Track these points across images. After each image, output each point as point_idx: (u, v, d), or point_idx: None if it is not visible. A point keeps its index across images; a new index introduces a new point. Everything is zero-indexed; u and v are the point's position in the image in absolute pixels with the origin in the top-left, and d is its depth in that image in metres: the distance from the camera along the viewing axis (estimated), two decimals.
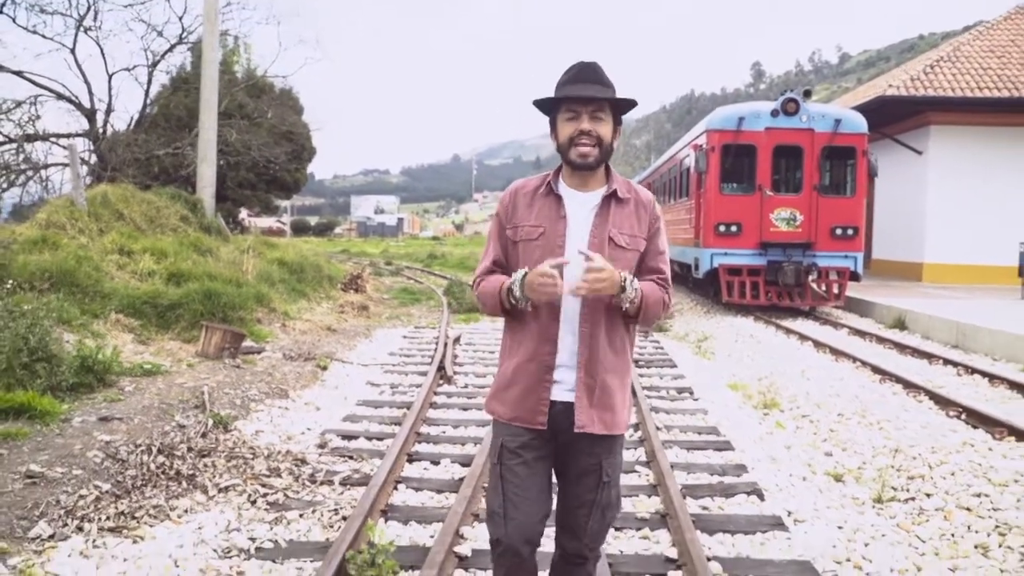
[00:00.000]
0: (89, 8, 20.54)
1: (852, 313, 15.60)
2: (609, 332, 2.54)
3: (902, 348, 11.20)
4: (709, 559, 3.87)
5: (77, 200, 13.14)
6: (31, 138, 19.99)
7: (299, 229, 79.94)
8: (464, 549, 3.99)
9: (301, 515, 4.48)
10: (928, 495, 5.16)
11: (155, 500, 4.48)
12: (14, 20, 20.11)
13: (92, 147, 20.94)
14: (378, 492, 4.55)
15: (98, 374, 6.83)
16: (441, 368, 8.69)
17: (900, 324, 13.49)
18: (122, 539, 4.01)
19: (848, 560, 4.09)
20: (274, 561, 3.88)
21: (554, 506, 2.67)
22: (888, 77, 24.53)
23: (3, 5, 19.70)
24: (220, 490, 4.75)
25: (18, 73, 19.92)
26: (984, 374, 9.12)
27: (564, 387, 2.52)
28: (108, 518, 4.21)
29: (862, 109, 19.22)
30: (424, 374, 8.67)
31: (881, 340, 12.01)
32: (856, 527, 4.61)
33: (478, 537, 4.17)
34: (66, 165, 20.73)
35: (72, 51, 20.47)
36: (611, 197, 2.56)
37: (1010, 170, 19.74)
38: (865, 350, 11.12)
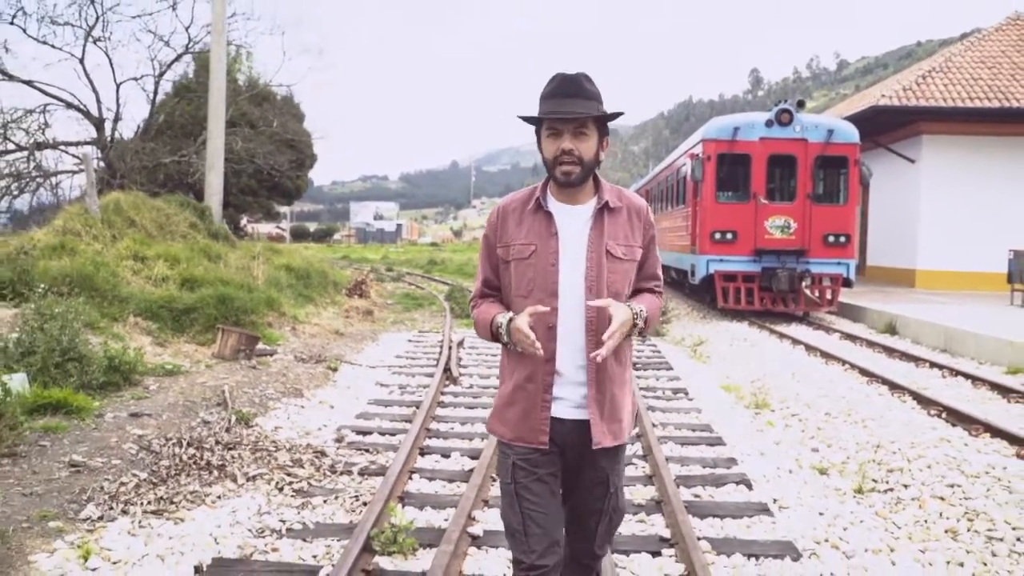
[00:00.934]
0: (98, 19, 20.96)
1: (845, 318, 16.00)
2: (616, 347, 2.50)
3: (891, 352, 11.59)
4: (699, 539, 4.26)
5: (91, 207, 13.52)
6: (41, 146, 20.39)
7: (298, 235, 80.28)
8: (476, 530, 4.37)
9: (325, 501, 4.87)
10: (905, 486, 5.54)
11: (190, 487, 4.87)
12: (24, 31, 20.54)
13: (100, 155, 21.31)
14: (395, 480, 4.94)
15: (124, 373, 7.23)
16: (447, 370, 9.07)
17: (891, 329, 13.87)
18: (164, 520, 4.39)
19: (827, 541, 4.48)
20: (304, 540, 4.27)
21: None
22: (881, 87, 24.97)
23: (14, 16, 20.13)
24: (249, 479, 5.13)
25: (29, 83, 20.33)
26: (968, 376, 9.51)
27: (568, 404, 2.51)
28: (149, 502, 4.59)
29: (856, 118, 19.67)
30: (431, 375, 9.05)
31: (871, 344, 12.40)
32: (837, 514, 5.00)
33: (488, 520, 4.55)
34: (75, 172, 21.21)
35: (81, 61, 20.88)
36: (603, 209, 2.53)
37: (1000, 179, 20.16)
38: (855, 353, 11.51)
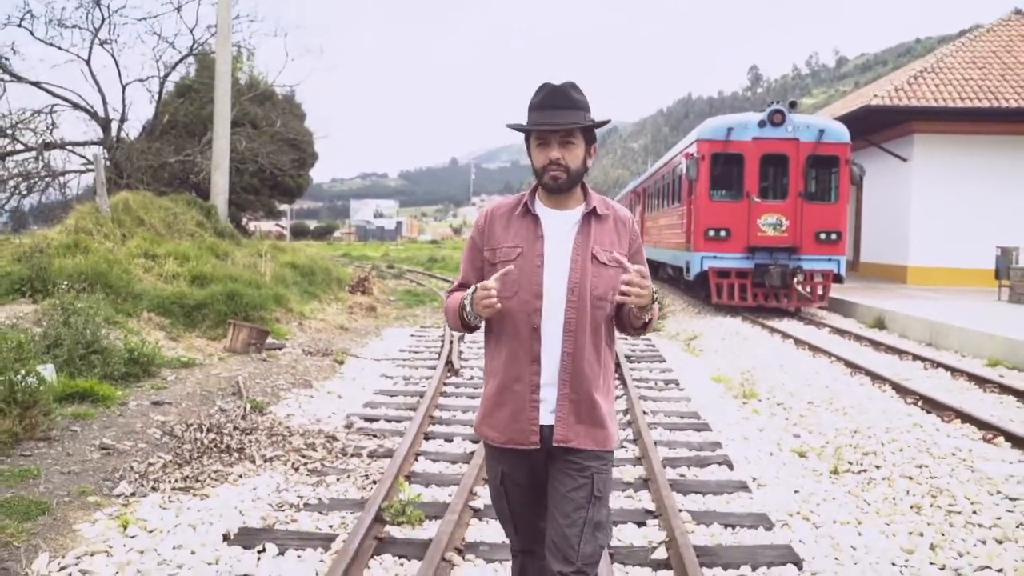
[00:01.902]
0: (103, 21, 21.34)
1: (836, 313, 16.41)
2: (595, 347, 2.56)
3: (877, 345, 12.00)
4: (680, 511, 4.66)
5: (101, 207, 13.91)
6: (50, 146, 20.78)
7: (298, 233, 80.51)
8: (477, 504, 4.78)
9: (338, 479, 5.28)
10: (877, 467, 5.95)
11: (213, 467, 5.27)
12: (32, 33, 20.90)
13: (107, 155, 21.70)
14: (402, 461, 5.35)
15: (143, 365, 7.64)
16: (448, 362, 9.46)
17: (880, 324, 14.28)
18: (191, 496, 4.79)
19: (799, 513, 4.88)
20: (320, 512, 4.67)
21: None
22: (874, 87, 25.37)
23: (22, 19, 20.50)
24: (266, 460, 5.54)
25: (36, 84, 20.70)
26: (948, 368, 9.91)
27: (549, 407, 2.54)
28: (176, 481, 4.99)
29: (849, 118, 20.10)
30: (433, 368, 9.45)
31: (859, 338, 12.81)
32: (811, 491, 5.40)
33: (489, 496, 4.95)
34: (82, 172, 21.59)
35: (88, 62, 21.25)
36: (591, 215, 2.60)
37: (990, 177, 20.55)
38: (842, 347, 11.92)
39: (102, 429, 5.85)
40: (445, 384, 8.56)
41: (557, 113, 2.50)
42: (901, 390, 8.44)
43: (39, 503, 4.35)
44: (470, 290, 2.53)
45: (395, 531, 4.39)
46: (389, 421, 6.96)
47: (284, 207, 55.45)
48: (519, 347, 2.52)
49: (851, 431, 6.84)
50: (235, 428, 6.09)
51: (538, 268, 2.52)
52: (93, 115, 21.74)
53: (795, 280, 15.28)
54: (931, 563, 4.28)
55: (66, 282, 8.50)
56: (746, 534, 4.50)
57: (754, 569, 4.02)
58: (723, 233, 15.59)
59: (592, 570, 2.53)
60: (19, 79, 20.56)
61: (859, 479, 5.76)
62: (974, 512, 4.93)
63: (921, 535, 4.66)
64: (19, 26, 20.41)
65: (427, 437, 6.42)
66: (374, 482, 5.20)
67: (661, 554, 4.16)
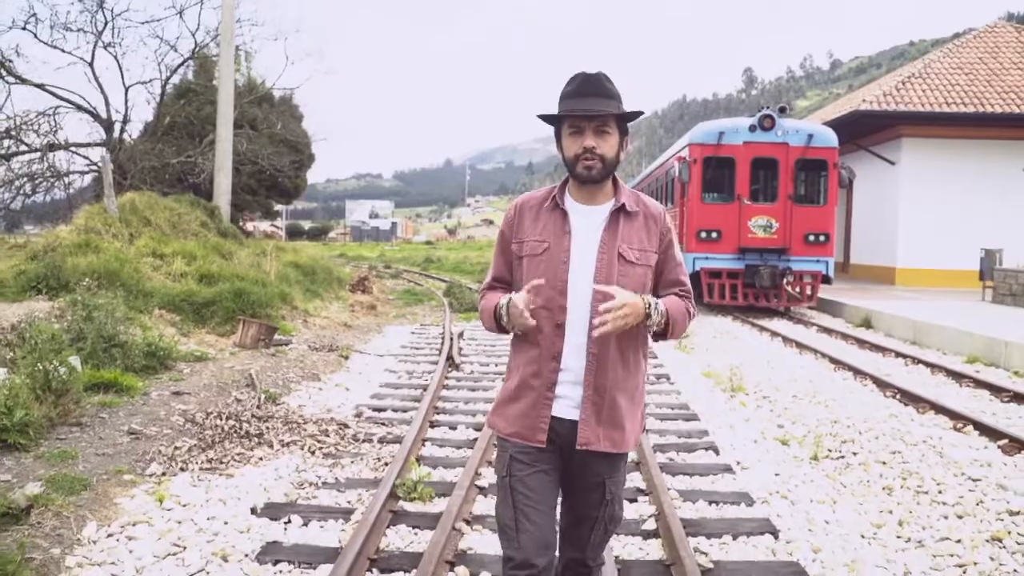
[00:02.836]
0: (107, 24, 21.70)
1: (825, 313, 16.86)
2: (621, 349, 2.50)
3: (862, 343, 12.44)
4: (669, 489, 5.07)
5: (109, 207, 14.29)
6: (54, 147, 21.14)
7: (293, 233, 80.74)
8: (482, 483, 5.18)
9: (352, 461, 5.68)
10: (855, 454, 6.36)
11: (235, 450, 5.67)
12: (36, 36, 21.27)
13: (110, 156, 22.05)
14: (411, 444, 5.75)
15: (160, 359, 8.03)
16: (449, 358, 9.86)
17: (867, 323, 14.73)
18: (218, 476, 5.19)
19: (778, 492, 5.30)
20: (338, 490, 5.08)
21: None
22: (863, 92, 25.87)
23: (26, 22, 20.86)
24: (284, 445, 5.94)
25: (40, 86, 21.06)
26: (928, 364, 10.35)
27: (568, 403, 2.49)
28: (202, 462, 5.39)
29: (839, 122, 20.60)
30: (435, 363, 9.86)
31: (845, 336, 13.25)
32: (791, 474, 5.81)
33: (493, 476, 5.35)
34: (85, 173, 21.95)
35: (91, 65, 21.63)
36: (619, 211, 2.52)
37: (976, 180, 21.03)
38: (828, 345, 12.35)
39: (128, 416, 6.24)
40: (447, 378, 8.96)
41: (592, 100, 2.43)
42: (881, 384, 8.87)
43: (81, 479, 4.74)
44: (504, 300, 2.49)
45: (408, 506, 4.79)
46: (396, 411, 7.37)
47: (280, 207, 55.76)
48: (542, 343, 2.48)
49: (831, 421, 7.26)
50: (252, 416, 6.48)
51: (564, 265, 2.48)
52: (96, 117, 22.12)
53: (784, 280, 15.73)
54: (898, 536, 4.69)
55: (87, 279, 8.86)
56: (728, 509, 4.92)
57: (735, 538, 4.44)
58: (715, 235, 16.03)
59: (599, 555, 2.70)
60: (23, 81, 20.93)
61: (837, 464, 6.18)
62: (939, 492, 5.35)
63: (891, 512, 5.08)
64: (23, 29, 20.80)
65: (432, 425, 6.83)
66: (385, 464, 5.60)
67: (651, 525, 4.57)
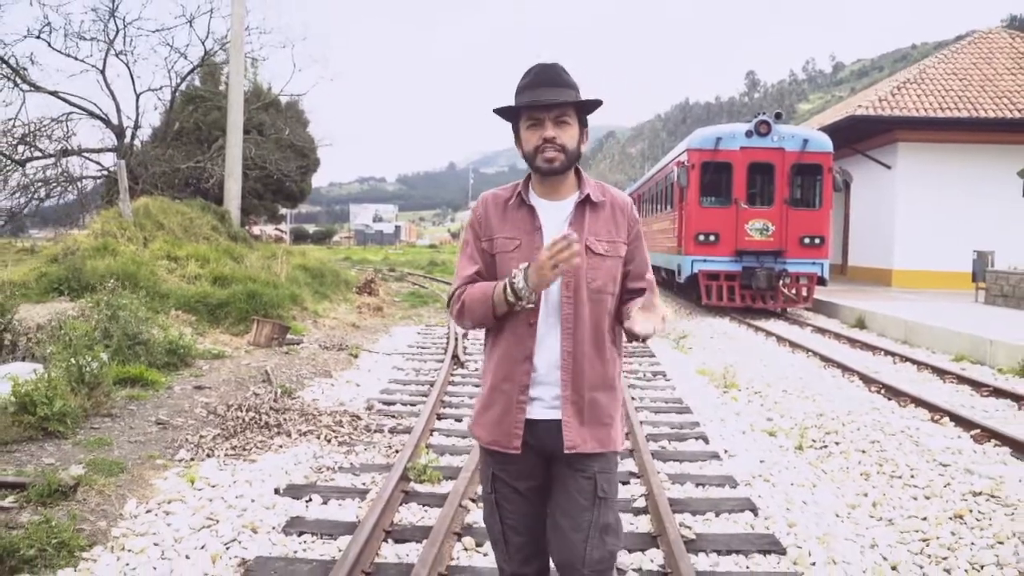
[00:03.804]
0: (118, 32, 22.21)
1: (820, 314, 17.25)
2: (595, 344, 2.44)
3: (854, 343, 12.84)
4: (659, 473, 5.49)
5: (124, 212, 14.75)
6: (67, 153, 21.63)
7: (298, 237, 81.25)
8: None
9: (365, 449, 6.11)
10: (837, 443, 6.76)
11: (257, 439, 6.10)
12: (50, 44, 21.77)
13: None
14: (420, 433, 6.17)
15: (181, 356, 8.47)
16: (455, 356, 10.28)
17: (861, 324, 15.12)
18: (242, 461, 5.61)
19: (761, 476, 5.71)
20: (354, 474, 5.51)
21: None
22: (860, 96, 26.28)
23: (40, 31, 21.36)
24: (301, 434, 6.36)
25: (54, 93, 21.57)
26: (915, 362, 10.75)
27: (543, 404, 2.42)
28: (227, 449, 5.81)
29: (836, 127, 21.03)
30: (440, 361, 10.28)
31: (839, 336, 13.65)
32: (776, 462, 6.22)
33: None
34: (97, 179, 22.43)
35: (103, 72, 22.14)
36: (584, 203, 2.45)
37: (970, 183, 21.42)
38: (821, 344, 12.75)
39: (155, 408, 6.67)
40: (452, 375, 9.37)
41: (550, 91, 2.36)
42: (867, 380, 9.28)
43: (117, 463, 5.16)
44: (523, 265, 2.30)
45: (418, 487, 5.21)
46: (405, 404, 7.79)
47: (284, 211, 56.33)
48: (514, 345, 2.41)
49: (817, 414, 7.66)
50: (271, 408, 6.90)
51: None
52: (108, 123, 22.61)
53: (781, 282, 16.13)
54: (871, 516, 5.09)
55: (111, 281, 9.29)
56: (714, 491, 5.33)
57: (717, 515, 4.85)
58: (712, 237, 16.44)
59: (600, 569, 2.41)
60: (38, 89, 21.43)
61: (820, 453, 6.58)
62: (912, 476, 5.75)
63: (866, 495, 5.48)
64: (38, 37, 21.29)
65: (439, 418, 7.24)
66: (396, 451, 6.02)
67: (641, 504, 4.98)
